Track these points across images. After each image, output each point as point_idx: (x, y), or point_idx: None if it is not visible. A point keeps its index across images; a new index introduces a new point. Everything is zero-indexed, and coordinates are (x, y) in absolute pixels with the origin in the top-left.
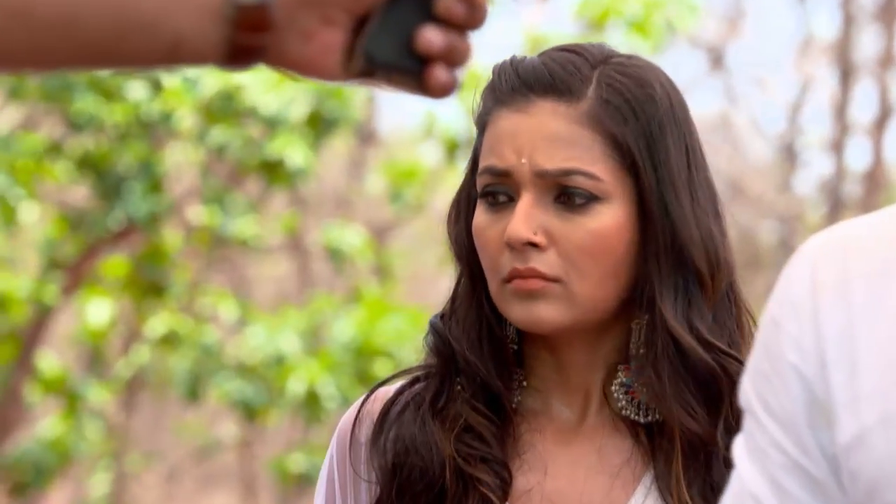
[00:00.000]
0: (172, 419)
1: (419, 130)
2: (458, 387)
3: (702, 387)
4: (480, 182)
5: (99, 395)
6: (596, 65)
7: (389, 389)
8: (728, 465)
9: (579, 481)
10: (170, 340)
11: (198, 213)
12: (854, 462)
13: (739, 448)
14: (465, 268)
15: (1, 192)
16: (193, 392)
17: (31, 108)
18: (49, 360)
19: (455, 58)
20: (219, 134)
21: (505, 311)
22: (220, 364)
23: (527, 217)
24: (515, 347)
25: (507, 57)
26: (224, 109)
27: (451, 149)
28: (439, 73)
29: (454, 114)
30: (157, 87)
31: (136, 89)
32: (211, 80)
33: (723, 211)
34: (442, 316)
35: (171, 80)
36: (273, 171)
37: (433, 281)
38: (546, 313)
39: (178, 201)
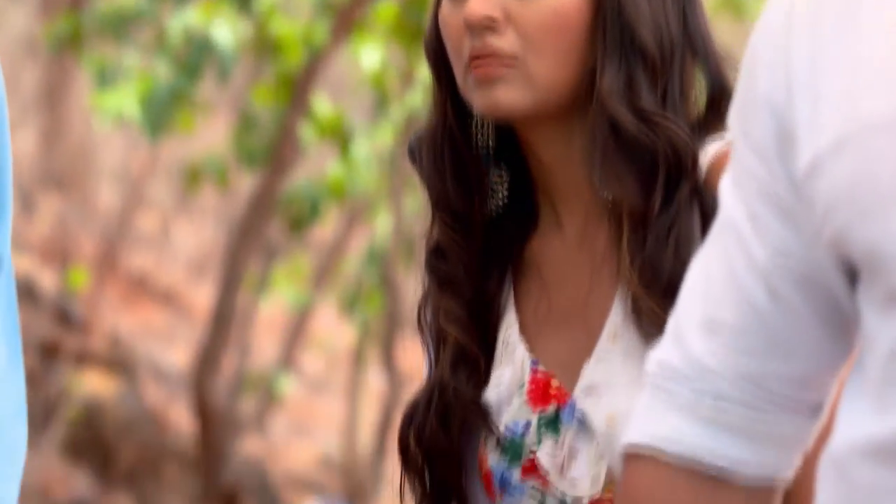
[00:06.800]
0: None
1: None
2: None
3: (636, 158)
4: None
5: (377, 137)
6: None
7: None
8: (676, 240)
9: (578, 284)
10: None
11: None
12: (810, 188)
13: (726, 179)
14: (433, 72)
15: None
16: None
17: None
18: (323, 104)
19: None
20: None
21: (469, 99)
22: None
23: None
24: (490, 151)
25: None
26: None
27: None
28: None
29: None
30: None
31: None
32: None
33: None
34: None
35: None
36: None
37: None
38: (505, 96)
39: None
